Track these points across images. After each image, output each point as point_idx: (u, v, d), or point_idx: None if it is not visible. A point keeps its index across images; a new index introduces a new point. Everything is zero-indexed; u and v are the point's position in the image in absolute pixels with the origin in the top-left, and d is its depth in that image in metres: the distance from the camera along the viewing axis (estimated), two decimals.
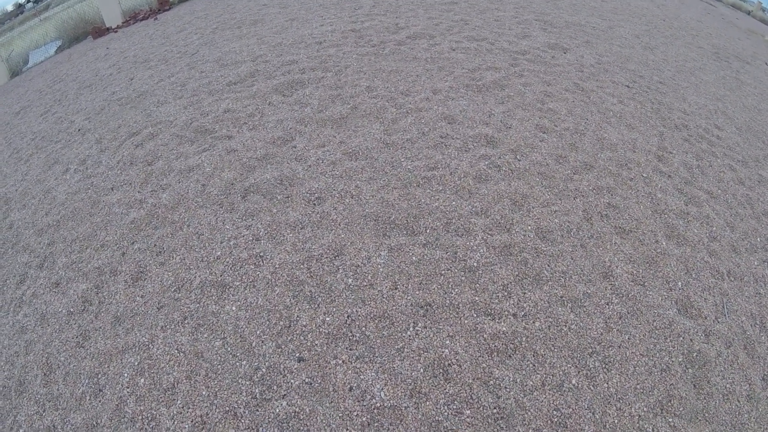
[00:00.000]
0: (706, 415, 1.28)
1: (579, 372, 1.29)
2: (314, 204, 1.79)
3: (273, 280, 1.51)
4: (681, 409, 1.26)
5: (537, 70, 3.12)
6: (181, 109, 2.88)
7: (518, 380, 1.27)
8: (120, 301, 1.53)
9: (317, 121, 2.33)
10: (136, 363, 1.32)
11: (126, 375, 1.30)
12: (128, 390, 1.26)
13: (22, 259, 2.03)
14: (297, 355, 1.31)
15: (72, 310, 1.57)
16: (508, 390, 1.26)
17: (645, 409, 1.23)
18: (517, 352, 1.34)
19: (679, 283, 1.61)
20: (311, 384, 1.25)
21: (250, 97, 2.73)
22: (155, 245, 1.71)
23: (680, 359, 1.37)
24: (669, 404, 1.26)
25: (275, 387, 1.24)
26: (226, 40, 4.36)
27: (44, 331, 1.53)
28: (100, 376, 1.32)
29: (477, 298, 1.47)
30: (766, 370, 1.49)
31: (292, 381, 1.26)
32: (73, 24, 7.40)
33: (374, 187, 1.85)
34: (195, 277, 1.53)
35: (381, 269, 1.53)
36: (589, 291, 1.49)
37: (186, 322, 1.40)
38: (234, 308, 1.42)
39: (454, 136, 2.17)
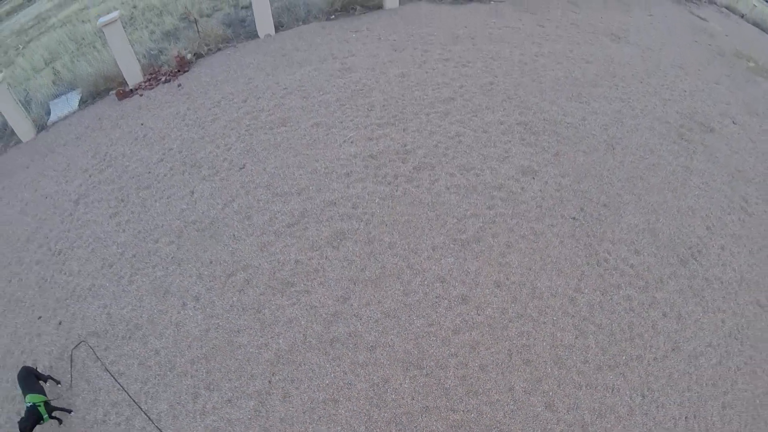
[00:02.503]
0: None
1: None
2: (371, 351, 4.07)
3: (357, 397, 3.81)
4: None
5: (506, 213, 5.35)
6: (257, 250, 5.07)
7: None
8: (280, 410, 3.81)
9: (362, 281, 4.57)
10: None
11: None
12: None
13: (187, 382, 4.26)
14: None
15: (250, 416, 3.84)
16: None
17: None
18: None
19: (551, 393, 3.95)
20: None
21: (309, 247, 4.93)
22: (288, 377, 3.98)
23: None
24: None
25: None
26: (265, 149, 6.42)
27: (234, 429, 3.81)
28: None
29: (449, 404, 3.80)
30: None
31: None
32: (93, 80, 9.24)
33: (400, 340, 4.13)
34: (319, 396, 3.82)
35: (407, 391, 3.84)
36: (500, 399, 3.83)
37: (327, 419, 3.70)
38: (343, 411, 3.72)
39: (444, 296, 4.44)
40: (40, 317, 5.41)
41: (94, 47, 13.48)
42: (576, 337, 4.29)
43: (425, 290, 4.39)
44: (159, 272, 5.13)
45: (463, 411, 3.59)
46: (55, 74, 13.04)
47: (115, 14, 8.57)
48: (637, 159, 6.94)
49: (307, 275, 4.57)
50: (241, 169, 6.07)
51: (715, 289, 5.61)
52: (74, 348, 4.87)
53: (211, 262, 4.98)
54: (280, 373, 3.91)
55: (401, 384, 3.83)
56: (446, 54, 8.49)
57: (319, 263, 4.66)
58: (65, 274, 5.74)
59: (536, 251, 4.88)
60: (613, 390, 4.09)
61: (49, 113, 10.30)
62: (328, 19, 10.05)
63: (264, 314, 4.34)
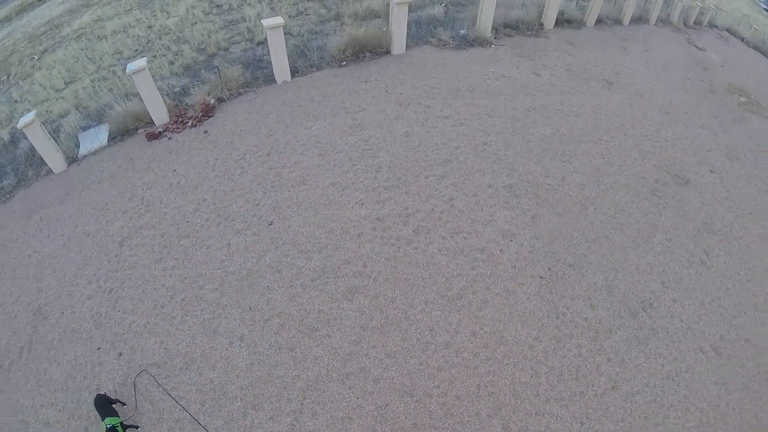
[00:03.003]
0: None
1: None
2: (376, 382, 6.15)
3: (366, 416, 5.89)
4: None
5: (485, 273, 7.44)
6: (288, 300, 7.16)
7: None
8: (310, 425, 5.86)
9: (370, 328, 6.67)
10: None
11: None
12: None
13: (237, 404, 6.34)
14: None
15: (287, 430, 5.93)
16: None
17: None
18: None
19: (507, 417, 6.03)
20: None
21: (329, 299, 7.03)
22: (316, 400, 6.05)
23: None
24: None
25: None
26: (289, 207, 8.50)
27: None
28: None
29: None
30: None
31: None
32: (121, 119, 11.33)
33: (398, 375, 6.22)
34: (338, 414, 5.89)
35: (402, 413, 5.93)
36: (469, 420, 5.91)
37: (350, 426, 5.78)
38: (356, 426, 5.81)
39: (431, 342, 6.53)
40: (99, 348, 7.28)
41: (114, 72, 15.59)
42: (531, 376, 6.37)
43: (418, 336, 6.48)
44: (207, 315, 7.20)
45: (441, 428, 5.67)
46: (76, 98, 15.07)
47: (143, 63, 10.57)
48: (607, 218, 9.00)
49: (328, 322, 6.66)
50: (269, 225, 8.15)
51: (660, 338, 7.61)
52: (137, 376, 6.79)
53: (250, 309, 7.07)
54: (310, 397, 6.00)
55: (398, 407, 5.92)
56: (446, 110, 10.58)
57: (337, 313, 6.75)
58: (119, 311, 7.67)
59: (506, 306, 6.97)
60: (557, 417, 6.17)
61: (78, 145, 12.31)
62: (340, 66, 12.15)
63: (296, 352, 6.43)
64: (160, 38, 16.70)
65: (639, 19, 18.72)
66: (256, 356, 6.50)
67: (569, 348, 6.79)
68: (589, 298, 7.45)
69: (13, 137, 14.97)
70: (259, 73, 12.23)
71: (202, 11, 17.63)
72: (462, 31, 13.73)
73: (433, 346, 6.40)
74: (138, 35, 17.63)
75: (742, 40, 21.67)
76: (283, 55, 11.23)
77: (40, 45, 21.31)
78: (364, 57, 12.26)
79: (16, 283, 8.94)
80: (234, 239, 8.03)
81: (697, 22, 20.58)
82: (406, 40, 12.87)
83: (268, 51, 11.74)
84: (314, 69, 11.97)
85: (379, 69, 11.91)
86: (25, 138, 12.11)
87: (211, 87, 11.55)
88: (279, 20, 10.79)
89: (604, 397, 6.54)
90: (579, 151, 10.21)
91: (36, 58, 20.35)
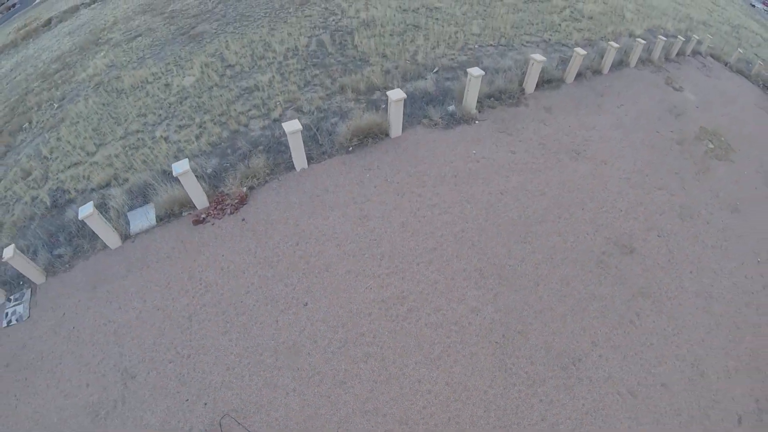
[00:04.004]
0: None
1: None
2: (383, 416, 12.09)
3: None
4: None
5: (456, 341, 13.35)
6: (324, 362, 13.11)
7: None
8: None
9: (380, 381, 12.59)
10: None
11: None
12: None
13: None
14: None
15: None
16: None
17: None
18: None
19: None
20: None
21: (351, 362, 12.97)
22: (346, 429, 12.03)
23: None
24: None
25: None
26: (318, 290, 14.38)
27: None
28: None
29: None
30: None
31: None
32: (168, 204, 17.16)
33: (399, 412, 12.10)
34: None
35: None
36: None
37: None
38: None
39: (419, 390, 12.44)
40: (187, 400, 13.11)
41: (143, 141, 21.31)
42: (484, 411, 12.30)
43: (410, 386, 12.41)
44: (268, 374, 13.12)
45: None
46: (111, 165, 20.70)
47: (186, 165, 16.11)
48: (553, 292, 14.88)
49: (351, 378, 12.60)
50: (305, 305, 14.07)
51: (584, 384, 13.41)
52: (221, 418, 12.68)
53: (298, 369, 13.01)
54: (342, 428, 11.91)
55: None
56: (434, 199, 16.43)
57: (357, 371, 12.69)
58: (199, 372, 13.44)
59: (470, 364, 12.91)
60: None
61: (128, 223, 18.09)
62: (347, 152, 17.98)
63: (331, 398, 12.37)
64: (180, 102, 22.19)
65: (620, 63, 23.66)
66: (305, 402, 12.45)
67: (512, 393, 12.72)
68: (530, 357, 13.35)
69: (54, 201, 20.62)
70: (279, 158, 17.96)
71: (216, 72, 23.26)
72: (450, 108, 19.41)
73: (420, 392, 12.35)
74: (157, 95, 23.26)
75: (726, 64, 27.19)
76: (301, 150, 17.03)
77: (57, 89, 26.87)
78: (367, 143, 18.04)
79: (97, 348, 14.33)
80: (280, 317, 13.95)
81: (681, 53, 25.97)
82: (402, 118, 18.62)
83: (284, 132, 17.37)
84: (326, 156, 17.70)
85: (380, 155, 17.70)
86: (71, 204, 17.63)
87: (242, 176, 17.36)
88: (297, 126, 16.56)
89: (535, 426, 12.42)
90: (540, 231, 16.02)
91: (55, 105, 25.93)
